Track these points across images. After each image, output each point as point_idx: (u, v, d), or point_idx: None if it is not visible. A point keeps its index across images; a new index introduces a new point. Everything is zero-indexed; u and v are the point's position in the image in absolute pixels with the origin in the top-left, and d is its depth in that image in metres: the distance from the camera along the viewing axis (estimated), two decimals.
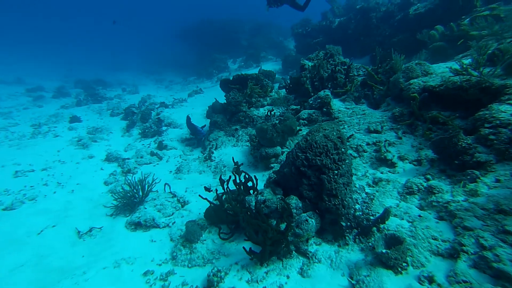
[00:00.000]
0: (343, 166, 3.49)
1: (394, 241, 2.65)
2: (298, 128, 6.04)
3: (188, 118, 8.02)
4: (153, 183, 5.23)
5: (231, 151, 6.68)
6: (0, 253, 4.12)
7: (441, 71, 4.53)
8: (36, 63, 31.27)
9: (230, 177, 4.11)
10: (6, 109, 13.19)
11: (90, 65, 31.85)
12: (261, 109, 7.62)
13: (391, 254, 2.49)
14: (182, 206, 4.97)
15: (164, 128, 9.17)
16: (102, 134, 9.67)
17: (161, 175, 6.31)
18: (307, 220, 3.34)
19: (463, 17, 6.82)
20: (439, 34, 7.13)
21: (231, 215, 3.85)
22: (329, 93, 6.13)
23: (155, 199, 5.02)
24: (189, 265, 3.62)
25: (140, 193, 5.07)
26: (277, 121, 6.27)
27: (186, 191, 5.55)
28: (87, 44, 47.58)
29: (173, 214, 4.81)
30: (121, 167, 7.07)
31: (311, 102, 6.39)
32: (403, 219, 3.09)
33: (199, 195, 4.08)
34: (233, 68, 19.29)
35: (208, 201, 3.90)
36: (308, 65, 7.06)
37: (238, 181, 4.00)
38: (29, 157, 7.71)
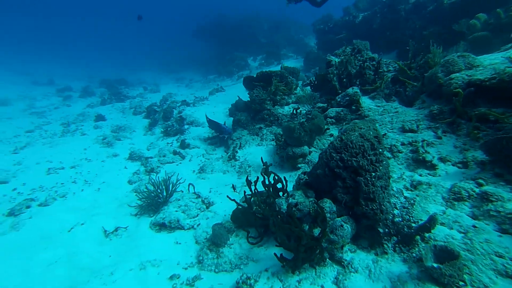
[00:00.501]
0: (381, 167, 3.24)
1: (446, 254, 2.38)
2: (326, 127, 5.79)
3: (207, 117, 7.86)
4: (177, 183, 5.16)
5: (256, 150, 6.52)
6: (37, 248, 4.24)
7: (488, 63, 4.12)
8: (64, 64, 32.67)
9: (257, 178, 3.96)
10: (41, 108, 13.95)
11: (111, 65, 32.98)
12: (286, 107, 7.41)
13: (444, 270, 2.22)
14: (207, 208, 4.87)
15: (186, 126, 9.16)
16: (125, 132, 9.82)
17: (184, 175, 6.25)
18: (342, 226, 3.11)
19: None
20: (481, 23, 6.58)
21: (260, 218, 3.69)
22: (358, 90, 5.82)
23: (179, 200, 4.95)
24: (216, 270, 3.50)
25: (164, 193, 5.02)
26: (304, 120, 6.04)
27: (210, 192, 5.46)
28: (107, 45, 49.37)
29: (197, 215, 4.72)
30: (144, 166, 7.10)
31: (338, 99, 6.10)
32: (452, 228, 2.79)
33: (227, 196, 3.95)
34: (253, 66, 19.13)
35: (237, 203, 3.76)
36: (335, 61, 6.76)
37: (267, 182, 3.82)
38: (60, 154, 7.95)
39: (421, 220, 2.97)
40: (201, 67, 25.98)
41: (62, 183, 6.33)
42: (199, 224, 4.50)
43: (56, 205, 5.45)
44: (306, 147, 5.50)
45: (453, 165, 3.64)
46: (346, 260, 3.06)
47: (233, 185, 4.12)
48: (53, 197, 5.66)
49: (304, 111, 6.83)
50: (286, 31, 24.83)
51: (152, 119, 10.53)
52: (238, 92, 13.72)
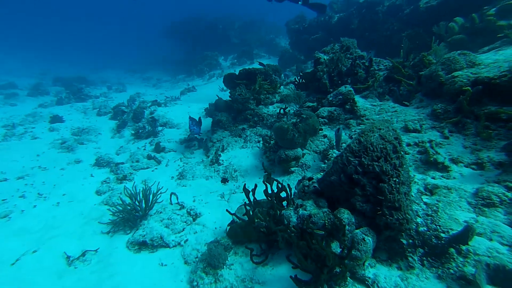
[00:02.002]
0: (403, 172, 2.90)
1: (503, 275, 2.06)
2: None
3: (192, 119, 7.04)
4: (158, 192, 4.44)
5: (241, 153, 5.99)
6: None
7: (491, 61, 4.03)
8: (6, 59, 28.98)
9: (255, 185, 3.45)
10: None
11: (68, 63, 30.08)
12: (271, 107, 6.96)
13: None
14: (194, 220, 4.23)
15: (159, 128, 8.33)
16: (89, 135, 8.71)
17: (162, 182, 5.51)
18: (364, 239, 2.71)
19: (485, 7, 6.42)
20: (458, 26, 6.71)
21: (264, 234, 3.17)
22: (352, 89, 5.56)
23: (161, 212, 4.26)
24: None
25: (143, 205, 4.28)
26: (293, 120, 5.65)
27: (194, 201, 4.82)
28: (65, 41, 45.20)
29: (183, 229, 4.06)
30: (114, 173, 6.21)
31: (330, 98, 5.79)
32: (492, 239, 2.52)
33: (227, 211, 3.37)
34: (225, 66, 18.51)
35: (237, 216, 3.20)
36: (324, 59, 6.46)
37: (269, 191, 3.32)
38: (1, 163, 6.67)
39: (451, 229, 2.67)
40: (169, 67, 24.80)
41: (4, 199, 5.20)
42: (186, 240, 3.86)
43: None
44: (299, 149, 5.10)
45: (466, 166, 3.44)
46: (369, 278, 2.66)
47: (244, 188, 3.47)
48: None
49: (292, 111, 6.44)
50: (257, 30, 24.55)
51: (120, 120, 9.49)
52: (210, 91, 13.10)
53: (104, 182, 5.79)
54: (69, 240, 4.07)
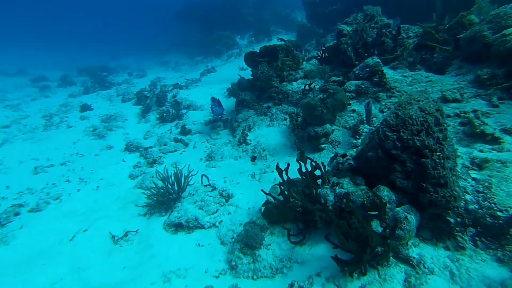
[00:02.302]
0: (447, 146, 2.70)
1: None
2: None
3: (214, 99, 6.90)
4: (189, 175, 4.52)
5: (268, 132, 5.91)
6: (34, 266, 3.58)
7: None
8: (34, 54, 30.32)
9: (288, 164, 3.39)
10: (15, 101, 12.66)
11: (89, 53, 30.92)
12: (295, 84, 6.74)
13: None
14: (227, 201, 4.29)
15: (183, 111, 8.39)
16: (116, 121, 8.97)
17: (191, 164, 5.61)
18: (406, 218, 2.60)
19: None
20: None
21: (300, 213, 3.15)
22: (379, 60, 5.21)
23: (193, 194, 4.35)
24: (254, 277, 2.98)
25: (176, 188, 4.39)
26: (322, 95, 5.44)
27: (225, 182, 4.87)
28: (82, 33, 46.11)
29: (217, 211, 4.14)
30: (144, 157, 6.40)
31: (357, 72, 5.48)
32: None
33: (262, 191, 3.35)
34: (242, 44, 18.09)
35: (273, 197, 3.19)
36: (347, 30, 6.06)
37: (304, 170, 3.25)
38: (45, 151, 7.14)
39: (510, 207, 2.48)
40: (185, 50, 24.62)
41: (53, 184, 5.59)
42: (221, 221, 3.94)
43: (50, 210, 4.75)
44: (328, 126, 4.93)
45: None
46: (414, 258, 2.58)
47: (277, 167, 3.43)
48: (45, 200, 4.94)
49: (317, 87, 6.20)
50: (272, 6, 23.45)
51: (144, 105, 9.66)
52: (230, 71, 12.93)
53: (135, 167, 5.99)
54: (111, 222, 4.30)
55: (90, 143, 7.64)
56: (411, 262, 2.56)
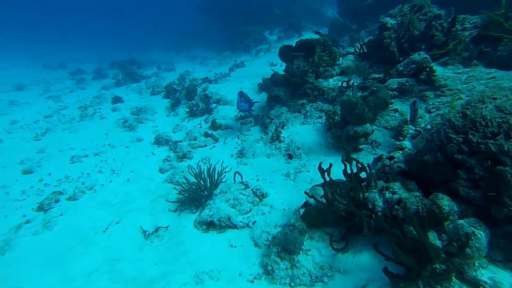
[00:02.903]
0: None
1: None
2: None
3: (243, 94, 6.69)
4: (223, 171, 4.40)
5: (302, 129, 5.67)
6: (73, 253, 3.67)
7: None
8: (72, 48, 32.00)
9: (330, 164, 3.15)
10: (56, 92, 13.41)
11: (119, 47, 32.04)
12: (331, 80, 6.42)
13: None
14: (260, 200, 4.12)
15: (213, 105, 8.32)
16: (146, 114, 9.08)
17: (222, 160, 5.52)
18: (474, 233, 2.29)
19: None
20: None
21: (343, 217, 2.91)
22: (428, 56, 4.79)
23: (226, 192, 4.21)
24: (292, 284, 2.79)
25: (208, 185, 4.28)
26: (360, 93, 5.13)
27: (257, 180, 4.70)
28: (112, 26, 47.97)
29: (250, 210, 3.98)
30: (173, 151, 6.39)
31: (400, 68, 5.10)
32: None
33: (305, 193, 3.15)
34: (271, 40, 17.80)
35: (316, 199, 2.98)
36: (391, 24, 5.64)
37: (349, 171, 3.00)
38: (81, 141, 7.37)
39: None
40: (213, 44, 24.65)
41: (88, 173, 5.71)
42: (254, 221, 3.77)
43: (86, 199, 4.84)
44: (368, 125, 4.62)
45: None
46: (485, 282, 2.25)
47: (320, 167, 3.22)
48: (81, 189, 5.04)
49: (356, 84, 5.86)
50: (303, 1, 22.80)
51: (173, 98, 9.71)
52: (260, 66, 12.73)
53: (165, 160, 5.98)
54: (142, 215, 4.28)
55: (121, 135, 7.77)
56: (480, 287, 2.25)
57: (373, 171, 3.48)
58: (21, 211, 4.64)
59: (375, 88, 4.54)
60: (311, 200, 3.39)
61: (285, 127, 5.81)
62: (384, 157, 3.54)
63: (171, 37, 32.94)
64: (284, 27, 18.67)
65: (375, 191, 2.86)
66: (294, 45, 6.77)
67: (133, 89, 12.83)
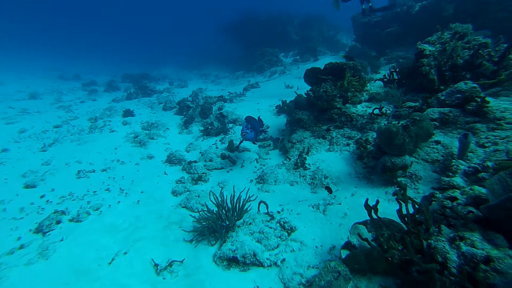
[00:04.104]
0: None
1: None
2: None
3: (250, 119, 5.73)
4: (247, 199, 3.93)
5: (328, 157, 5.25)
6: None
7: None
8: (88, 60, 32.78)
9: (377, 201, 2.71)
10: (67, 102, 13.29)
11: (132, 61, 32.75)
12: (359, 106, 6.09)
13: None
14: (289, 235, 3.62)
15: (230, 125, 7.98)
16: (158, 130, 8.75)
17: (241, 185, 5.08)
18: None
19: None
20: None
21: (398, 266, 2.42)
22: (477, 85, 4.44)
23: (250, 224, 3.73)
24: None
25: (231, 214, 3.81)
26: (394, 122, 4.75)
27: (282, 210, 4.22)
28: (127, 40, 49.58)
29: (278, 246, 3.48)
30: (187, 171, 5.97)
31: (443, 97, 4.74)
32: None
33: (359, 235, 2.68)
34: (286, 62, 17.83)
35: (369, 243, 2.50)
36: (430, 50, 5.36)
37: (404, 211, 2.54)
38: (89, 154, 6.98)
39: None
40: (225, 64, 24.96)
41: (94, 191, 5.27)
42: (283, 260, 3.27)
43: (90, 222, 4.36)
44: (407, 157, 4.20)
45: None
46: None
47: (366, 203, 2.77)
48: (86, 210, 4.58)
49: (388, 112, 5.50)
50: (318, 27, 23.22)
51: (186, 115, 9.42)
52: (275, 88, 12.56)
53: (179, 182, 5.54)
54: (154, 245, 3.79)
55: (131, 151, 7.40)
56: None
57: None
58: (16, 232, 4.14)
59: (418, 118, 4.16)
60: (355, 241, 2.92)
61: (309, 153, 5.39)
62: (438, 195, 3.08)
63: (184, 54, 33.64)
64: (300, 50, 18.82)
65: (443, 239, 2.38)
66: (314, 68, 6.52)
67: (145, 103, 12.64)
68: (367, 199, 2.79)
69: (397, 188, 2.74)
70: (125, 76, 21.20)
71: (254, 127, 5.44)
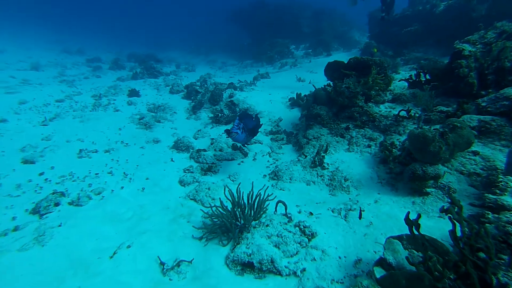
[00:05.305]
0: None
1: None
2: None
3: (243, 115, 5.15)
4: (266, 198, 3.59)
5: (348, 157, 4.92)
6: (66, 285, 2.80)
7: None
8: (93, 36, 32.09)
9: (419, 215, 2.42)
10: (71, 77, 12.84)
11: (138, 42, 32.02)
12: (382, 106, 5.71)
13: None
14: (309, 241, 3.31)
15: None
16: (165, 113, 8.36)
17: (253, 180, 4.73)
18: None
19: None
20: None
21: None
22: None
23: (267, 225, 3.42)
24: None
25: (247, 214, 3.48)
26: (427, 127, 4.39)
27: (299, 212, 3.91)
28: (135, 20, 48.58)
29: (297, 253, 3.18)
30: (195, 160, 5.62)
31: (484, 104, 4.38)
32: None
33: (408, 260, 2.32)
34: (298, 55, 17.29)
35: (417, 267, 2.18)
36: (471, 51, 4.96)
37: (459, 233, 2.22)
38: (92, 133, 6.63)
39: None
40: (234, 52, 24.31)
41: (96, 173, 4.92)
42: (303, 269, 2.96)
43: (91, 207, 4.03)
44: (441, 166, 3.86)
45: None
46: None
47: (407, 219, 2.45)
48: (87, 194, 4.24)
49: (417, 115, 5.13)
50: (330, 21, 22.46)
51: (194, 100, 9.01)
52: (286, 80, 12.12)
53: (187, 171, 5.20)
54: (160, 239, 3.47)
55: (136, 133, 7.04)
56: None
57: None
58: (11, 211, 3.82)
59: (458, 124, 3.81)
60: (391, 259, 2.61)
61: (328, 152, 5.04)
62: (490, 217, 2.76)
63: (190, 40, 32.87)
64: (311, 43, 18.25)
65: (505, 269, 2.06)
66: (337, 61, 6.12)
67: (151, 84, 12.21)
68: (408, 213, 2.46)
69: (450, 205, 2.40)
70: (130, 55, 20.64)
71: (246, 125, 4.74)
